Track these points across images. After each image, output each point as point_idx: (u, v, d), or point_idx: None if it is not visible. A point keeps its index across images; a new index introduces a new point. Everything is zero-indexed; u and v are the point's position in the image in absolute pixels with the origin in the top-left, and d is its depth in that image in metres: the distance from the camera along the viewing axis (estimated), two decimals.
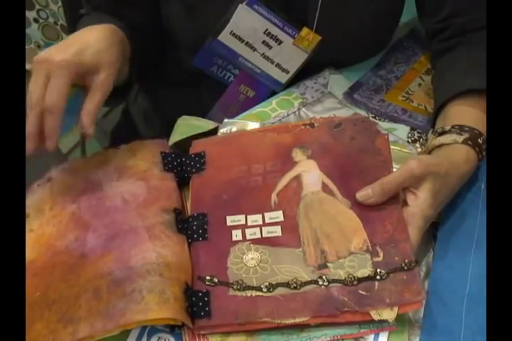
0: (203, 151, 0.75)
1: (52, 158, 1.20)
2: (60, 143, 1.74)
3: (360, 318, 0.60)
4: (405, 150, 0.78)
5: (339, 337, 0.60)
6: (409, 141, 0.82)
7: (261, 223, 0.67)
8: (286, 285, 0.62)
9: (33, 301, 0.64)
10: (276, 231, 0.66)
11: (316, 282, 0.62)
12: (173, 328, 0.63)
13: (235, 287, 0.63)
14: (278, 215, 0.67)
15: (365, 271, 0.61)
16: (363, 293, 0.60)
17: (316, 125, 0.74)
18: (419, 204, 0.65)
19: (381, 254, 0.62)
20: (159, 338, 0.62)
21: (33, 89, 0.69)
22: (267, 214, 0.68)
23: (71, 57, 0.70)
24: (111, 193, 0.71)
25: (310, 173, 0.70)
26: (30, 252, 0.69)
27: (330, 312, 0.60)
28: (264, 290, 0.62)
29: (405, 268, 0.60)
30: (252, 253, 0.65)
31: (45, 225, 0.71)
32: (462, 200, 0.71)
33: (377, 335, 0.60)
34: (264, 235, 0.66)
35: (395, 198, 0.65)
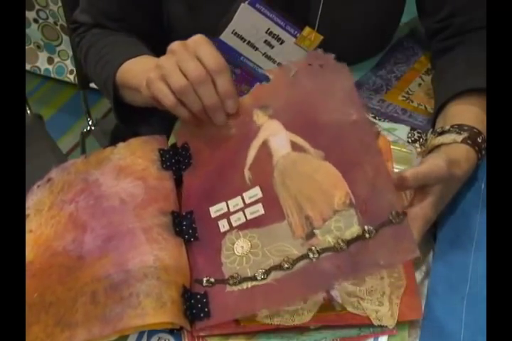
0: (186, 143, 0.74)
1: (52, 158, 1.21)
2: (60, 143, 1.74)
3: (360, 321, 0.60)
4: (405, 150, 0.78)
5: (339, 340, 0.60)
6: (409, 141, 0.82)
7: (242, 206, 0.65)
8: (279, 267, 0.60)
9: (30, 302, 0.64)
10: (259, 209, 0.64)
11: (306, 256, 0.59)
12: (172, 329, 0.62)
13: (231, 282, 0.62)
14: (256, 192, 0.65)
15: (353, 231, 0.58)
16: (355, 257, 0.57)
17: (271, 77, 0.70)
18: (423, 206, 0.65)
19: (366, 207, 0.58)
20: (159, 338, 0.62)
21: (188, 65, 0.66)
22: (245, 195, 0.66)
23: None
24: (109, 193, 0.71)
25: (276, 136, 0.66)
26: (29, 253, 0.69)
27: (325, 288, 0.59)
28: (259, 278, 0.61)
29: (393, 221, 0.56)
30: (242, 240, 0.63)
31: (43, 226, 0.71)
32: (462, 200, 0.71)
33: (376, 336, 0.60)
34: (248, 217, 0.64)
35: (374, 147, 0.60)
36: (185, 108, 0.69)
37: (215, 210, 0.67)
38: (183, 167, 0.73)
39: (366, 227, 0.57)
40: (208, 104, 0.67)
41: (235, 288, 0.62)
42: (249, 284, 0.61)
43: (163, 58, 0.69)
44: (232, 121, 0.70)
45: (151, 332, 0.62)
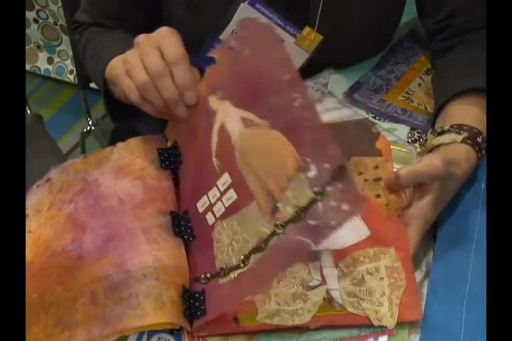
0: (175, 142, 0.74)
1: (52, 158, 1.21)
2: (60, 143, 1.74)
3: (360, 322, 0.61)
4: (405, 150, 0.78)
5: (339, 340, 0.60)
6: (409, 141, 0.82)
7: (219, 195, 0.65)
8: (257, 250, 0.59)
9: (30, 303, 0.63)
10: (232, 195, 0.64)
11: (275, 233, 0.58)
12: (172, 329, 0.62)
13: (221, 274, 0.62)
14: (226, 178, 0.65)
15: (307, 196, 0.56)
16: (312, 223, 0.55)
17: (216, 58, 0.70)
18: (421, 206, 0.65)
19: (312, 167, 0.56)
20: (159, 338, 0.62)
21: (148, 58, 0.66)
22: (218, 183, 0.65)
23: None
24: (108, 193, 0.71)
25: (229, 117, 0.66)
26: (28, 253, 0.69)
27: (297, 261, 0.59)
28: (242, 265, 0.60)
29: (337, 177, 0.54)
30: (225, 229, 0.63)
31: (42, 226, 0.71)
32: (462, 200, 0.71)
33: (377, 336, 0.60)
34: (226, 205, 0.64)
35: (313, 110, 0.59)
36: (149, 103, 0.69)
37: (201, 205, 0.67)
38: (178, 166, 0.73)
39: (316, 189, 0.55)
40: (166, 97, 0.67)
41: (225, 280, 0.61)
42: (236, 273, 0.60)
43: (129, 52, 0.69)
44: (196, 111, 0.69)
45: (151, 333, 0.62)
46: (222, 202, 0.64)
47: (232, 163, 0.64)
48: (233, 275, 0.60)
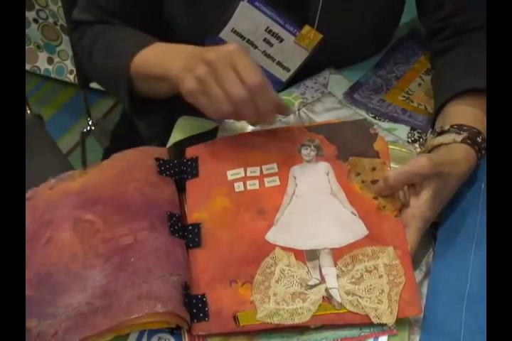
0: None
1: (52, 157, 1.21)
2: (60, 143, 1.75)
3: (360, 321, 0.61)
4: (405, 150, 0.78)
5: (339, 340, 0.60)
6: (409, 141, 0.82)
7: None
8: None
9: None
10: None
11: None
12: (172, 329, 0.63)
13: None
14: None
15: None
16: None
17: None
18: (419, 206, 0.65)
19: None
20: (159, 338, 0.62)
21: (229, 83, 0.67)
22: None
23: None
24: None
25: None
26: None
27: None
28: None
29: None
30: None
31: None
32: (462, 200, 0.71)
33: (377, 336, 0.60)
34: None
35: None
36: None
37: None
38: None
39: None
40: (249, 121, 0.72)
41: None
42: None
43: (201, 69, 0.68)
44: None
45: (152, 332, 0.62)
46: None
47: None
48: None
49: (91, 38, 0.89)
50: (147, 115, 0.88)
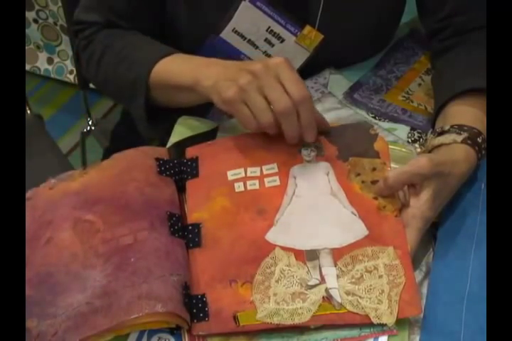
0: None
1: (52, 158, 1.21)
2: (60, 143, 1.75)
3: (360, 321, 0.61)
4: (405, 150, 0.78)
5: (339, 340, 0.60)
6: (409, 141, 0.82)
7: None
8: None
9: None
10: None
11: None
12: (172, 329, 0.63)
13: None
14: None
15: None
16: None
17: None
18: (419, 206, 0.65)
19: None
20: (159, 338, 0.62)
21: (273, 93, 0.66)
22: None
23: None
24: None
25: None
26: None
27: None
28: None
29: None
30: None
31: None
32: (462, 200, 0.71)
33: (377, 336, 0.60)
34: None
35: None
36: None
37: None
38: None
39: None
40: (289, 135, 0.69)
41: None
42: None
43: (244, 78, 0.68)
44: None
45: (152, 332, 0.62)
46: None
47: None
48: None
49: (100, 46, 0.87)
50: (159, 124, 0.87)
